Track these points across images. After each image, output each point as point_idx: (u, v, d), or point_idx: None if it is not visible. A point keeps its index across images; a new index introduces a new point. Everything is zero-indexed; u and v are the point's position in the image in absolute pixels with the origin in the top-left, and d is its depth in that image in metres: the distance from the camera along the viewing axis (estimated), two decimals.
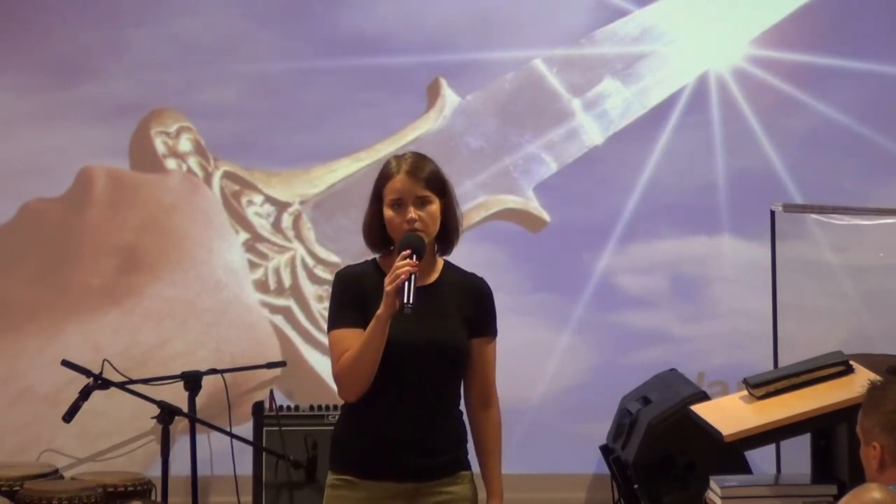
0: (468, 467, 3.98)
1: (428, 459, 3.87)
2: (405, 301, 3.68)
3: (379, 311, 3.74)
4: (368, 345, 3.77)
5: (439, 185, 3.90)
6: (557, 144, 6.78)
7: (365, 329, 3.81)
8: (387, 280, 3.74)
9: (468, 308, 3.93)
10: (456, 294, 3.93)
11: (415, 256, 3.76)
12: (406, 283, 3.70)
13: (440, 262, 3.98)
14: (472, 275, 4.03)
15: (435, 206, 3.89)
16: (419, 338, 3.84)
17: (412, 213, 3.85)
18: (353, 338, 3.82)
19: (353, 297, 3.89)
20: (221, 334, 6.67)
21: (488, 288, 4.00)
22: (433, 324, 3.87)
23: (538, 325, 6.72)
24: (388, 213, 3.88)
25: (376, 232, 3.93)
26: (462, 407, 4.00)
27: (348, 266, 4.05)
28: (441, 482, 3.90)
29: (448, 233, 3.94)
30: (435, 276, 3.95)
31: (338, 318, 3.89)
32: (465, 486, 3.95)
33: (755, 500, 4.71)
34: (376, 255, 3.99)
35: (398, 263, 3.74)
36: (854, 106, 6.70)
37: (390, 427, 3.84)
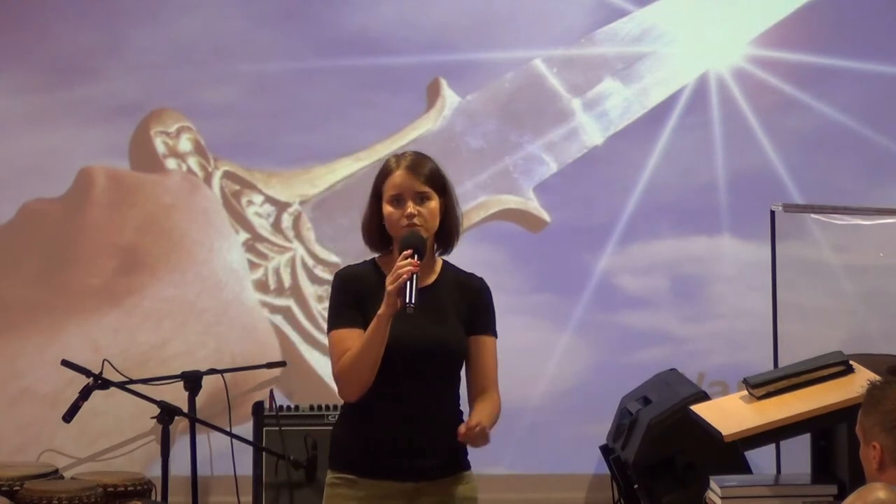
0: (468, 467, 3.96)
1: (426, 460, 3.85)
2: (407, 301, 3.67)
3: (380, 311, 3.73)
4: (369, 344, 3.76)
5: (440, 183, 3.90)
6: (557, 144, 6.78)
7: (364, 329, 3.81)
8: (389, 279, 3.72)
9: (466, 307, 3.92)
10: (454, 294, 3.92)
11: (416, 256, 3.75)
12: (408, 283, 3.69)
13: (439, 262, 3.97)
14: (471, 274, 4.02)
15: (434, 203, 3.88)
16: (418, 338, 3.83)
17: (411, 207, 3.84)
18: (352, 338, 3.82)
19: (352, 297, 3.88)
20: (221, 334, 6.67)
21: (487, 287, 3.99)
22: (432, 324, 3.86)
23: (538, 325, 6.72)
24: (387, 209, 3.87)
25: (375, 230, 3.92)
26: (463, 407, 3.99)
27: (348, 266, 4.04)
28: (441, 482, 3.88)
29: (448, 232, 3.93)
30: (434, 276, 3.94)
31: (338, 319, 3.88)
32: (466, 486, 3.93)
33: (755, 500, 4.70)
34: (375, 255, 3.99)
35: (400, 263, 3.73)
36: (854, 106, 6.70)
37: (388, 427, 3.83)
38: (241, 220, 6.75)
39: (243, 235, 6.74)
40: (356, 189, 6.65)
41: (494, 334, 3.98)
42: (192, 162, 6.75)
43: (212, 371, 6.18)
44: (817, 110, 6.72)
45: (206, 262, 6.71)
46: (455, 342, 3.88)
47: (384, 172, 3.92)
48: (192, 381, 6.02)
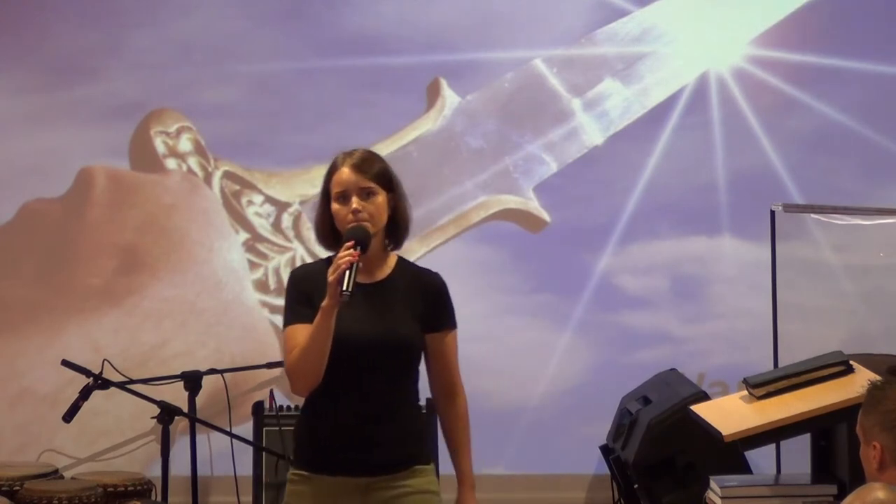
0: (427, 462, 3.97)
1: (379, 455, 3.88)
2: (343, 289, 3.69)
3: (324, 303, 3.76)
4: (315, 337, 3.79)
5: (386, 179, 3.92)
6: (557, 144, 6.78)
7: None
8: (329, 271, 3.76)
9: (420, 304, 3.94)
10: (408, 290, 3.94)
11: (358, 248, 3.77)
12: (346, 272, 3.71)
13: (393, 259, 3.99)
14: (426, 270, 4.04)
15: (381, 198, 3.89)
16: (368, 333, 3.86)
17: (356, 203, 3.86)
18: (303, 333, 3.84)
19: (304, 294, 3.91)
20: (221, 334, 6.67)
21: (442, 283, 4.00)
22: (382, 319, 3.88)
23: (538, 325, 6.72)
24: (334, 206, 3.90)
25: (326, 229, 3.95)
26: (423, 402, 4.03)
27: (302, 265, 4.12)
28: (395, 476, 3.90)
29: (397, 227, 3.95)
30: (387, 271, 3.96)
31: (289, 316, 3.93)
32: (422, 480, 3.94)
33: (755, 500, 4.71)
34: (331, 254, 4.00)
35: (341, 254, 3.76)
36: (854, 106, 6.69)
37: (339, 423, 3.86)
38: (241, 220, 6.75)
39: (243, 235, 6.74)
40: None
41: (453, 327, 3.99)
42: (192, 162, 6.75)
43: (212, 371, 6.18)
44: (817, 110, 6.71)
45: (206, 262, 6.71)
46: (405, 337, 3.90)
47: (331, 170, 3.95)
48: (192, 381, 6.02)
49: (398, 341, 3.88)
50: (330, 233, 3.94)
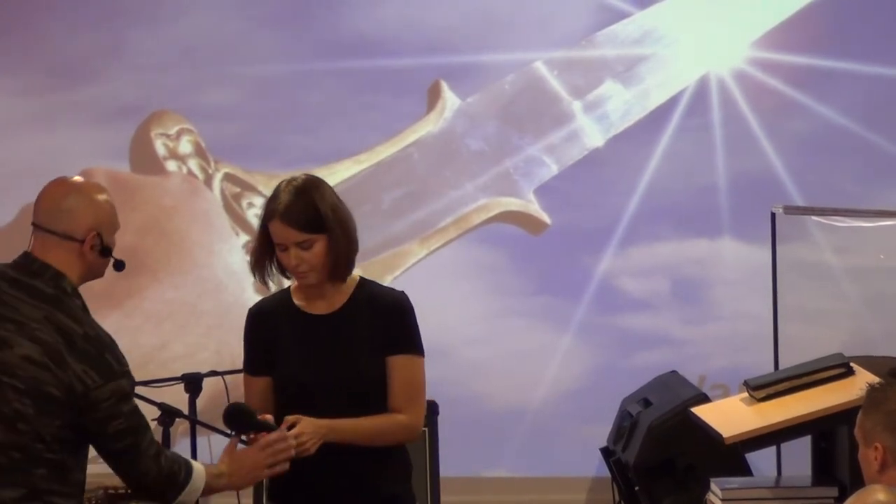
0: (411, 501, 3.85)
1: (355, 493, 3.76)
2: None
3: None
4: None
5: (318, 224, 3.73)
6: (558, 147, 6.78)
7: (271, 376, 3.81)
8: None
9: (382, 327, 3.78)
10: (367, 315, 3.79)
11: (245, 423, 3.77)
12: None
13: (352, 282, 3.83)
14: (390, 290, 3.90)
15: (319, 246, 3.73)
16: (326, 375, 3.75)
17: (294, 258, 3.75)
18: (258, 391, 3.83)
19: (262, 339, 3.84)
20: (222, 336, 6.67)
21: (407, 303, 3.82)
22: (340, 357, 3.76)
23: (539, 327, 6.72)
24: (278, 251, 3.79)
25: (261, 259, 3.84)
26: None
27: (261, 301, 3.97)
28: None
29: (337, 264, 3.77)
30: (343, 299, 3.81)
31: (246, 363, 3.89)
32: None
33: (756, 502, 4.71)
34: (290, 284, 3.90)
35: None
36: (855, 108, 6.69)
37: (314, 463, 3.72)
38: (242, 223, 6.75)
39: (244, 238, 6.74)
40: (357, 191, 6.65)
41: (413, 352, 3.79)
42: (193, 164, 6.76)
43: (212, 373, 6.17)
44: (818, 112, 6.71)
45: (207, 265, 6.71)
46: (364, 375, 3.75)
47: (267, 212, 3.79)
48: (192, 383, 6.00)
49: (357, 381, 3.75)
50: (264, 264, 3.84)
